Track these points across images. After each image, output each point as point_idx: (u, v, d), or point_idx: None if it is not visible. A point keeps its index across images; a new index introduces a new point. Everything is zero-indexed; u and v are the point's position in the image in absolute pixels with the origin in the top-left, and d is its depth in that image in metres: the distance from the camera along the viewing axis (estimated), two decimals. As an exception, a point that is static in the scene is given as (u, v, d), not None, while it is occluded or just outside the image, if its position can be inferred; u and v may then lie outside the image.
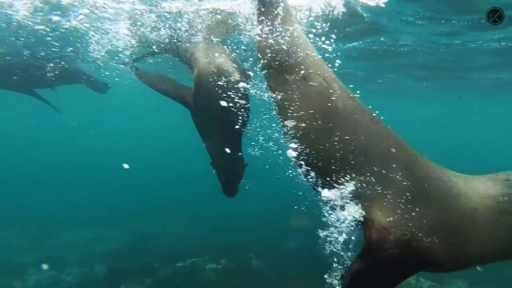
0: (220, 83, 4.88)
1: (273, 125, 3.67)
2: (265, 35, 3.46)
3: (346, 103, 3.14)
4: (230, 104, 4.73)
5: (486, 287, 10.06)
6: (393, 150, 2.83)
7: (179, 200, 19.14)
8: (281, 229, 14.85)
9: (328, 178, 3.03)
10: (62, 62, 10.21)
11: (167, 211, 17.97)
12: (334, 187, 3.01)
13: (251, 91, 4.52)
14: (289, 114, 3.21)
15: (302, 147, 3.20)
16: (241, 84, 4.90)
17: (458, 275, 10.47)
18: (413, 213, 2.75)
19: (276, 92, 3.34)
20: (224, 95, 4.79)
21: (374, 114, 3.06)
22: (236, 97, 4.78)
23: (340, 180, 2.97)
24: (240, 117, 4.84)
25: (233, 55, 5.68)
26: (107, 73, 12.53)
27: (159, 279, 11.70)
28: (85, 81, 11.95)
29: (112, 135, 54.70)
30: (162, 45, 7.54)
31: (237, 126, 4.80)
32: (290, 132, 3.30)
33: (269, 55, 3.39)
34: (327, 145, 3.03)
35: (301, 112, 3.16)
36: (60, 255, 13.42)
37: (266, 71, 3.47)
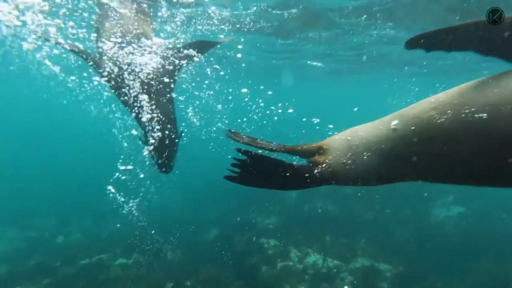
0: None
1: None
2: None
3: None
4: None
5: (388, 262, 10.49)
6: None
7: (87, 196, 17.73)
8: (199, 220, 14.43)
9: None
10: None
11: (74, 208, 16.56)
12: None
13: None
14: None
15: None
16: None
17: (361, 254, 10.85)
18: None
19: None
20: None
21: None
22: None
23: None
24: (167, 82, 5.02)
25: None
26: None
27: (58, 279, 10.70)
28: None
29: (10, 123, 48.12)
30: None
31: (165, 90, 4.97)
32: None
33: None
34: None
35: None
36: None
37: None
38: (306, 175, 2.71)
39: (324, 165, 2.75)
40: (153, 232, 13.69)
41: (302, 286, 10.20)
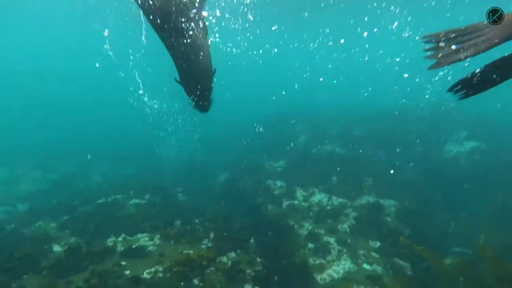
0: None
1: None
2: None
3: None
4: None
5: (393, 198, 10.29)
6: None
7: (105, 140, 18.50)
8: (210, 165, 14.69)
9: None
10: None
11: (92, 152, 17.31)
12: None
13: None
14: None
15: None
16: None
17: (367, 191, 10.67)
18: None
19: None
20: None
21: None
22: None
23: None
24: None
25: None
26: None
27: (76, 216, 11.42)
28: None
29: (28, 64, 44.94)
30: None
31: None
32: None
33: None
34: None
35: None
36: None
37: None
38: None
39: None
40: (165, 175, 14.21)
41: (306, 222, 10.29)
